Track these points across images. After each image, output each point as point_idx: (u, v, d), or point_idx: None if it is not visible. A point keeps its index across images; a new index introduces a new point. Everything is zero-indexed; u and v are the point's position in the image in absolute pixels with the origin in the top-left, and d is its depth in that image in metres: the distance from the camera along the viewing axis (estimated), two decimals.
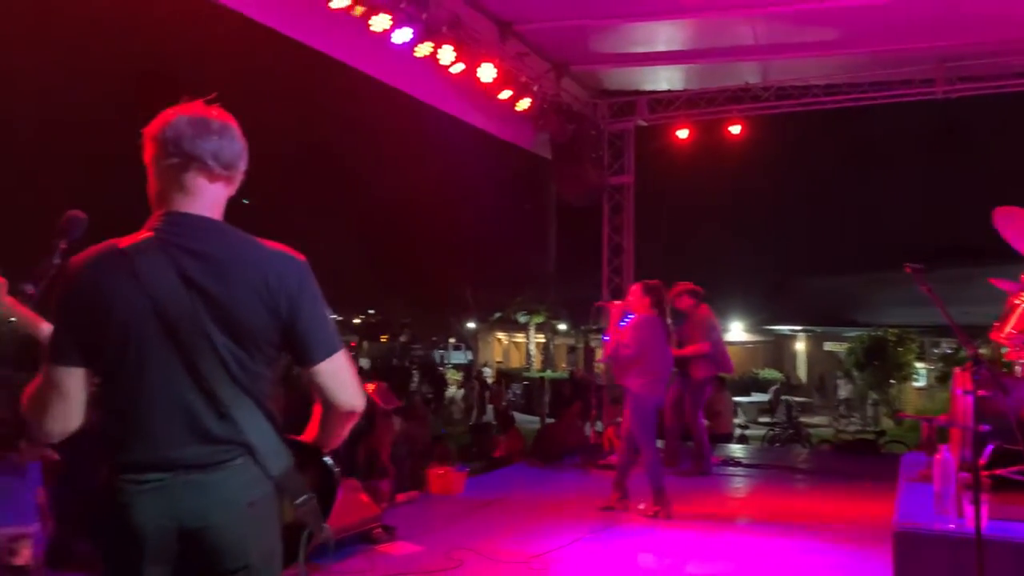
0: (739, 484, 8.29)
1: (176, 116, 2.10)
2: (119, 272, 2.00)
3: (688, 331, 8.31)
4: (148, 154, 2.13)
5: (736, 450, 10.78)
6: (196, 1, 6.28)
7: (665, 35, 9.09)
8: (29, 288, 2.52)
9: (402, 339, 41.02)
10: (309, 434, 2.28)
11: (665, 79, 10.50)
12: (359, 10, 6.52)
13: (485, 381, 25.05)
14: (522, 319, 31.98)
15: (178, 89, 2.23)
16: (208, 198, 2.12)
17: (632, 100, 10.82)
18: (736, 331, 29.49)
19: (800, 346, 30.91)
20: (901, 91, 9.66)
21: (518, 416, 19.13)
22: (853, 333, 25.66)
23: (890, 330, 23.68)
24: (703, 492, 7.75)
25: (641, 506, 6.65)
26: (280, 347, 2.11)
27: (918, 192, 31.51)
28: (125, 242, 2.05)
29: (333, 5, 6.37)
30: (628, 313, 6.71)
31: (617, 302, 6.94)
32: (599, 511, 6.70)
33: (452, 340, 41.69)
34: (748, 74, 10.03)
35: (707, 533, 6.14)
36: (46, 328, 2.24)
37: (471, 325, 39.21)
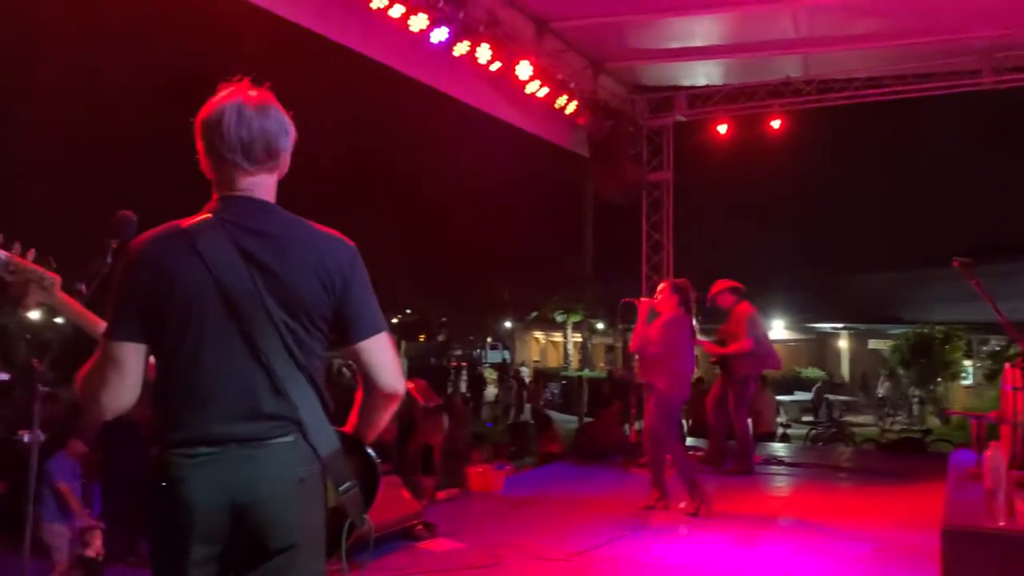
0: (782, 483, 8.19)
1: (220, 102, 2.15)
2: (181, 250, 2.05)
3: (731, 329, 8.22)
4: (198, 140, 2.18)
5: (778, 449, 10.66)
6: (236, 4, 6.34)
7: (703, 30, 9.02)
8: (81, 287, 2.57)
9: (440, 339, 41.20)
10: (351, 424, 2.31)
11: (703, 74, 10.42)
12: (398, 10, 6.55)
13: (523, 380, 25.05)
14: (559, 318, 31.90)
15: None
16: (256, 181, 2.17)
17: (670, 96, 10.75)
18: (778, 329, 29.12)
19: (843, 344, 30.47)
20: (947, 83, 9.48)
21: (556, 415, 19.11)
22: (898, 330, 25.24)
23: (936, 327, 23.24)
24: (746, 491, 7.67)
25: (682, 504, 6.61)
26: (332, 325, 2.15)
27: (964, 186, 30.90)
28: (186, 222, 2.11)
29: (373, 5, 6.41)
30: (655, 311, 6.74)
31: (645, 299, 6.92)
32: (640, 510, 6.67)
33: (489, 340, 41.78)
34: (789, 68, 9.90)
35: (750, 532, 6.07)
36: (100, 325, 2.29)
37: (508, 324, 39.24)
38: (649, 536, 5.92)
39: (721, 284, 8.37)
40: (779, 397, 18.90)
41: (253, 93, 2.17)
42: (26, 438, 2.72)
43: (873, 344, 28.91)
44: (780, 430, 17.26)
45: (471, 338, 42.27)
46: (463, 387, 26.57)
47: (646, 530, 6.07)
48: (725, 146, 10.83)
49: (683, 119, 10.87)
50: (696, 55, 9.69)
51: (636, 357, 6.93)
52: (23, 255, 2.41)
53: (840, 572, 5.19)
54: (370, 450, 2.33)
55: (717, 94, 10.50)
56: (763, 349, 8.25)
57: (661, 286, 6.84)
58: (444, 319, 40.82)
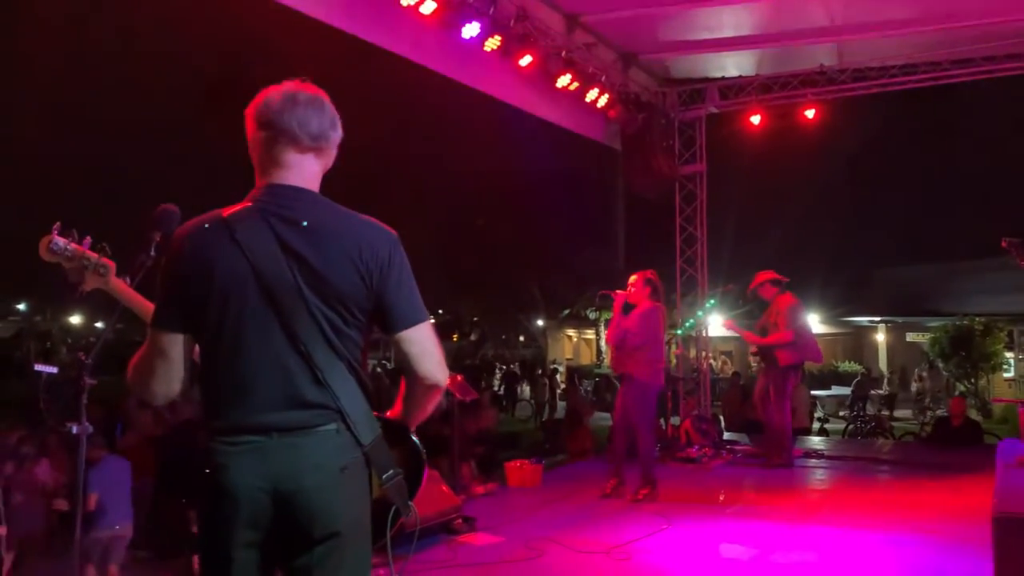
0: (821, 476, 8.10)
1: (269, 93, 2.18)
2: (221, 239, 2.08)
3: (771, 319, 8.17)
4: (248, 130, 2.21)
5: (817, 442, 10.54)
6: (268, 7, 6.39)
7: (734, 20, 8.93)
8: (126, 279, 2.61)
9: (472, 338, 41.30)
10: (395, 412, 2.31)
11: (735, 65, 10.32)
12: (428, 7, 6.56)
13: (555, 378, 25.01)
14: (591, 315, 31.81)
15: (257, 90, 2.29)
16: (302, 170, 2.18)
17: (702, 87, 10.67)
18: (814, 323, 28.61)
19: (880, 337, 30.05)
20: (985, 67, 9.29)
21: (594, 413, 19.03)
22: (937, 323, 24.82)
23: (976, 319, 22.82)
24: (785, 483, 7.60)
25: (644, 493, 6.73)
26: (371, 315, 2.15)
27: (1005, 175, 30.28)
28: (227, 211, 2.13)
29: (403, 2, 6.43)
30: (629, 303, 6.88)
31: (620, 291, 6.97)
32: (601, 499, 6.80)
33: (521, 338, 41.78)
34: (823, 56, 9.77)
35: (790, 524, 6.00)
36: (151, 309, 2.33)
37: (540, 322, 39.21)
38: (689, 528, 5.88)
39: (762, 276, 8.34)
40: (816, 392, 18.70)
41: (305, 87, 2.20)
42: (74, 430, 2.75)
43: (911, 337, 28.47)
44: (817, 425, 17.07)
45: (503, 336, 42.31)
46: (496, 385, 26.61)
47: (686, 523, 6.03)
48: (758, 137, 10.71)
49: (715, 111, 10.77)
50: (727, 46, 9.59)
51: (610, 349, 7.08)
52: (79, 242, 2.47)
53: (890, 562, 5.11)
54: (415, 438, 2.33)
55: (749, 85, 10.39)
56: (803, 341, 8.17)
57: (633, 278, 6.93)
58: (476, 318, 40.91)
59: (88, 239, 2.50)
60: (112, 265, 2.49)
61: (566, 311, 35.35)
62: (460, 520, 5.81)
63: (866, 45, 9.42)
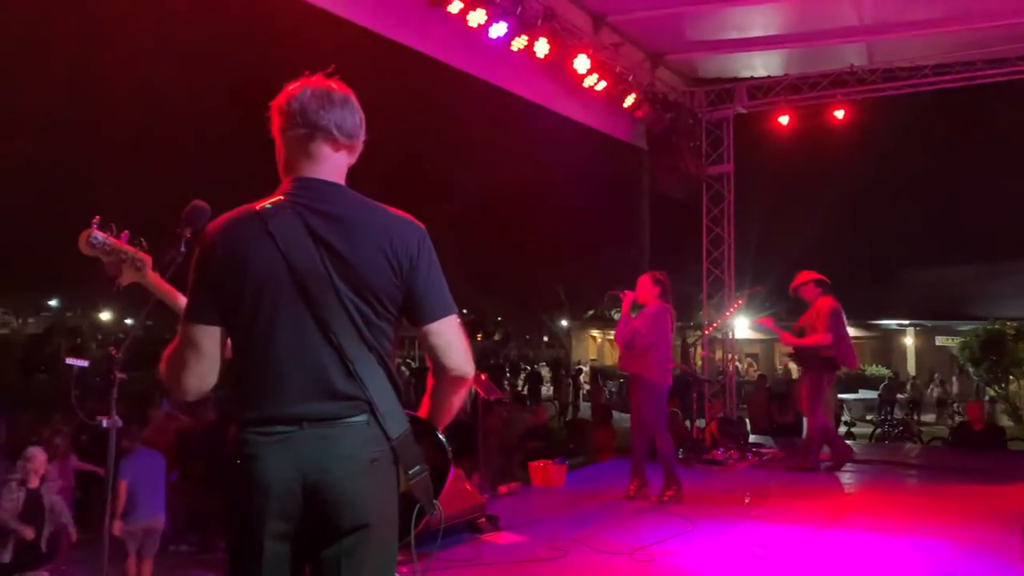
0: (848, 480, 7.99)
1: (301, 88, 2.19)
2: (254, 232, 2.10)
3: (810, 321, 8.02)
4: (275, 125, 2.23)
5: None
6: (296, 5, 6.43)
7: (762, 20, 8.87)
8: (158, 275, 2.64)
9: (496, 337, 41.33)
10: (423, 410, 2.32)
11: (763, 65, 10.25)
12: (456, 6, 6.58)
13: (578, 378, 24.96)
14: (616, 315, 31.71)
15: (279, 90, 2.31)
16: (332, 165, 2.21)
17: (730, 87, 10.61)
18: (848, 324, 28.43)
19: (909, 341, 29.66)
20: (1020, 67, 9.15)
21: (615, 414, 18.98)
22: (967, 327, 24.46)
23: (1008, 323, 22.46)
24: (812, 487, 7.53)
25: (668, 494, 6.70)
26: (401, 307, 2.16)
27: None
28: (258, 205, 2.15)
29: (431, 2, 6.45)
30: (638, 303, 6.87)
31: (629, 292, 6.94)
32: (624, 500, 6.80)
33: (545, 338, 41.73)
34: (852, 56, 9.68)
35: (817, 527, 5.95)
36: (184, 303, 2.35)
37: (564, 323, 39.13)
38: (714, 530, 5.85)
39: (805, 275, 8.19)
40: (843, 395, 18.51)
41: (336, 84, 2.22)
42: (104, 423, 2.79)
43: (940, 341, 28.06)
44: (844, 428, 16.91)
45: (527, 337, 42.29)
46: (519, 385, 26.62)
47: (710, 525, 5.99)
48: (787, 138, 10.62)
49: (743, 111, 10.71)
50: (755, 46, 9.53)
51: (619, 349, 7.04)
52: (117, 236, 2.50)
53: (918, 567, 5.04)
54: (441, 435, 2.33)
55: (778, 85, 10.32)
56: (841, 346, 7.98)
57: (642, 278, 6.91)
58: (500, 318, 40.92)
59: (126, 233, 2.54)
60: (148, 259, 2.53)
61: (591, 312, 35.23)
62: (484, 519, 5.82)
63: (897, 45, 9.32)
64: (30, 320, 41.39)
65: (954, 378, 24.04)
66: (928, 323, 28.22)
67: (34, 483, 5.94)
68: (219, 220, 2.17)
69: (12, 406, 8.64)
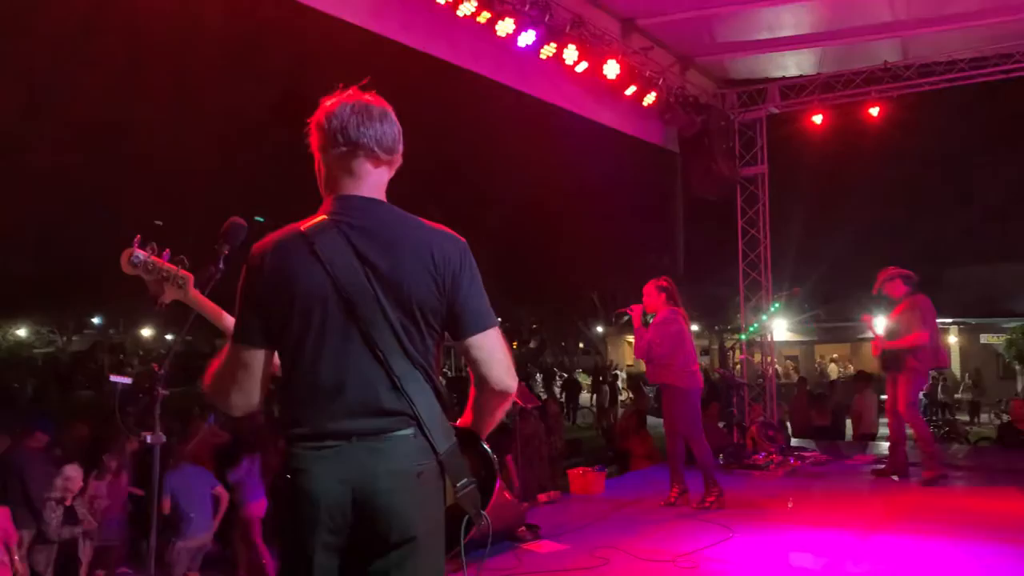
0: (887, 483, 7.81)
1: (339, 105, 2.21)
2: (300, 252, 2.13)
3: (903, 320, 7.52)
4: (315, 142, 2.26)
5: (886, 448, 10.24)
6: (327, 21, 6.50)
7: (793, 19, 8.78)
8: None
9: (532, 345, 41.28)
10: (464, 419, 2.33)
11: (795, 64, 10.14)
12: (484, 16, 6.60)
13: (617, 385, 24.83)
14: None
15: (312, 105, 2.33)
16: (373, 181, 2.23)
17: (762, 88, 10.51)
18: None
19: (953, 339, 29.11)
20: None
21: (652, 420, 18.84)
22: (1013, 324, 23.93)
23: None
24: (855, 490, 7.41)
25: (710, 500, 6.63)
26: (444, 321, 2.18)
27: None
28: (304, 224, 2.18)
29: (460, 12, 6.48)
30: (648, 314, 6.82)
31: (636, 305, 6.89)
32: (665, 506, 6.75)
33: (581, 345, 41.58)
34: (886, 53, 9.55)
35: (862, 532, 5.84)
36: (228, 320, 2.40)
37: (599, 329, 38.98)
38: (757, 537, 5.77)
39: (892, 271, 7.75)
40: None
41: (373, 99, 2.24)
42: (148, 439, 2.83)
43: (985, 339, 27.51)
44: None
45: (563, 344, 42.17)
46: (556, 392, 26.56)
47: (753, 531, 5.92)
48: (822, 136, 10.50)
49: (776, 111, 10.61)
50: (787, 45, 9.44)
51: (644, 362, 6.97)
52: (159, 255, 2.54)
53: (967, 573, 4.93)
54: (486, 446, 2.34)
55: (811, 84, 10.21)
56: (934, 343, 7.54)
57: (645, 288, 6.83)
58: (535, 325, 40.86)
59: (167, 251, 2.56)
60: (191, 277, 2.56)
61: (626, 317, 35.04)
62: (524, 527, 5.81)
63: (931, 39, 9.18)
64: (74, 338, 42.19)
65: (971, 380, 23.36)
66: (972, 321, 27.68)
67: (68, 501, 6.03)
68: (265, 240, 2.20)
69: (58, 422, 8.78)
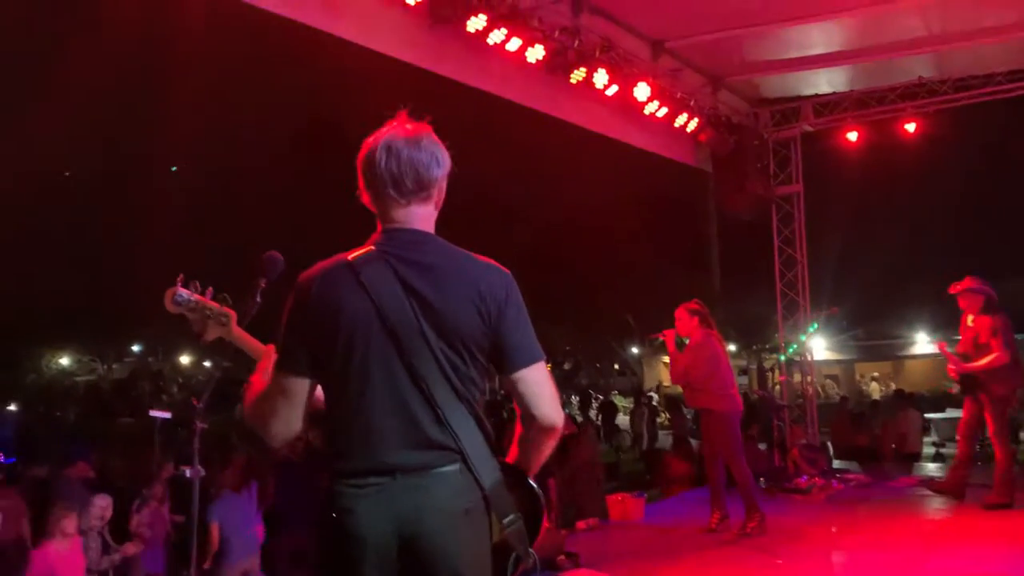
0: (938, 504, 7.63)
1: (382, 141, 2.22)
2: (346, 281, 2.12)
3: (980, 340, 7.15)
4: (360, 179, 2.26)
5: (932, 469, 10.03)
6: (361, 53, 6.57)
7: (823, 36, 8.71)
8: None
9: (566, 367, 41.07)
10: (512, 455, 2.29)
11: (827, 81, 10.05)
12: (515, 43, 6.64)
13: (655, 407, 24.60)
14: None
15: (352, 133, 2.34)
16: (420, 214, 2.23)
17: (795, 106, 10.43)
18: (923, 343, 27.56)
19: None
20: None
21: (693, 442, 18.61)
22: None
23: None
24: (900, 513, 7.23)
25: (751, 526, 6.49)
26: (489, 354, 2.16)
27: None
28: (351, 255, 2.18)
29: (490, 41, 6.51)
30: (681, 338, 6.76)
31: (668, 330, 6.83)
32: (706, 533, 6.65)
33: (616, 366, 41.30)
34: (921, 68, 9.42)
35: (909, 557, 5.70)
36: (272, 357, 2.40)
37: (635, 350, 38.71)
38: (799, 562, 5.65)
39: (972, 282, 7.33)
40: (929, 415, 17.80)
41: (408, 126, 2.23)
42: (187, 473, 2.84)
43: None
44: (931, 450, 16.26)
45: (597, 365, 41.91)
46: (592, 415, 26.36)
47: (797, 557, 5.80)
48: (857, 154, 10.39)
49: (810, 129, 10.51)
50: (819, 63, 9.36)
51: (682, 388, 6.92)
52: (202, 293, 2.55)
53: None
54: (533, 482, 2.29)
55: (845, 101, 10.11)
56: (1015, 361, 7.07)
57: (677, 312, 6.77)
58: (569, 347, 40.68)
59: (210, 289, 2.57)
60: (233, 314, 2.56)
61: (659, 340, 34.75)
62: (563, 556, 5.74)
63: (967, 53, 9.04)
64: (115, 366, 42.84)
65: None
66: (1019, 336, 27.04)
67: (102, 529, 6.08)
68: (313, 270, 2.20)
69: (99, 451, 8.89)
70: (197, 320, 2.54)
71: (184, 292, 2.52)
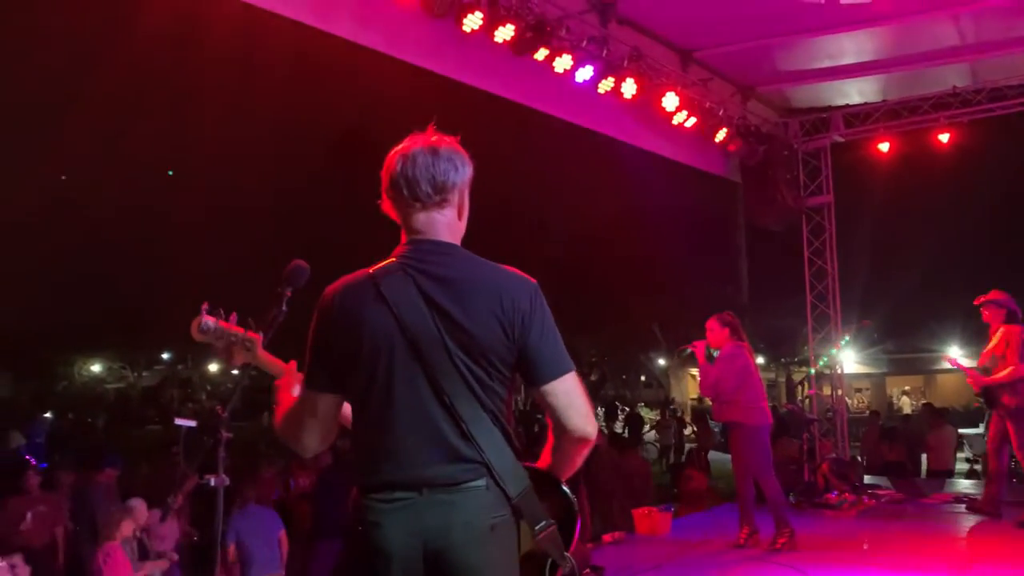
0: (972, 522, 7.44)
1: (406, 152, 2.22)
2: (368, 295, 2.12)
3: (997, 352, 7.06)
4: (384, 190, 2.27)
5: (966, 486, 9.82)
6: (387, 63, 6.60)
7: (855, 46, 8.62)
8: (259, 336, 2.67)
9: (592, 378, 40.92)
10: (543, 461, 2.27)
11: (858, 91, 9.94)
12: (542, 53, 6.63)
13: (682, 419, 24.42)
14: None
15: (380, 144, 2.34)
16: (436, 223, 2.21)
17: (826, 116, 10.32)
18: (959, 358, 26.99)
19: None
20: None
21: (719, 455, 18.45)
22: None
23: None
24: (933, 531, 7.09)
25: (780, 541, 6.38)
26: (515, 367, 2.13)
27: None
28: (373, 268, 2.18)
29: (518, 52, 6.49)
30: (712, 349, 6.67)
31: (698, 341, 6.73)
32: (734, 548, 6.54)
33: (643, 378, 41.09)
34: (955, 77, 9.29)
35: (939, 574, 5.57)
36: (299, 378, 2.42)
37: (662, 361, 38.48)
38: None
39: (997, 295, 7.23)
40: (963, 430, 17.49)
41: (433, 138, 2.23)
42: (212, 482, 2.83)
43: None
44: (965, 466, 15.96)
45: (624, 377, 41.72)
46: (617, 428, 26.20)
47: (827, 574, 5.69)
48: (889, 165, 10.24)
49: (840, 139, 10.39)
50: (850, 73, 9.26)
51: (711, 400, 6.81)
52: (227, 319, 2.56)
53: None
54: (565, 488, 2.28)
55: (876, 111, 9.99)
56: None
57: (709, 323, 6.68)
58: (595, 358, 40.53)
59: (234, 315, 2.57)
60: (259, 339, 2.56)
61: (688, 350, 34.53)
62: (589, 570, 5.68)
63: (1003, 62, 8.89)
64: (144, 373, 43.32)
65: None
66: None
67: (136, 534, 6.08)
68: (336, 284, 2.20)
69: (127, 457, 8.98)
70: (223, 347, 2.55)
71: (210, 320, 2.52)
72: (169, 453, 9.53)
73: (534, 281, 2.19)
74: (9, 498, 6.71)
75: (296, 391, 2.37)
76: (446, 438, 2.05)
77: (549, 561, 2.16)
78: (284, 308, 2.62)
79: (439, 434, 2.05)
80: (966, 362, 7.59)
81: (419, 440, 2.05)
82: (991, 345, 7.20)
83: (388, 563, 2.01)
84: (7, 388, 31.47)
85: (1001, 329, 7.10)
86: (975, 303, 7.39)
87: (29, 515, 6.46)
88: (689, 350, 6.86)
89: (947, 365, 7.59)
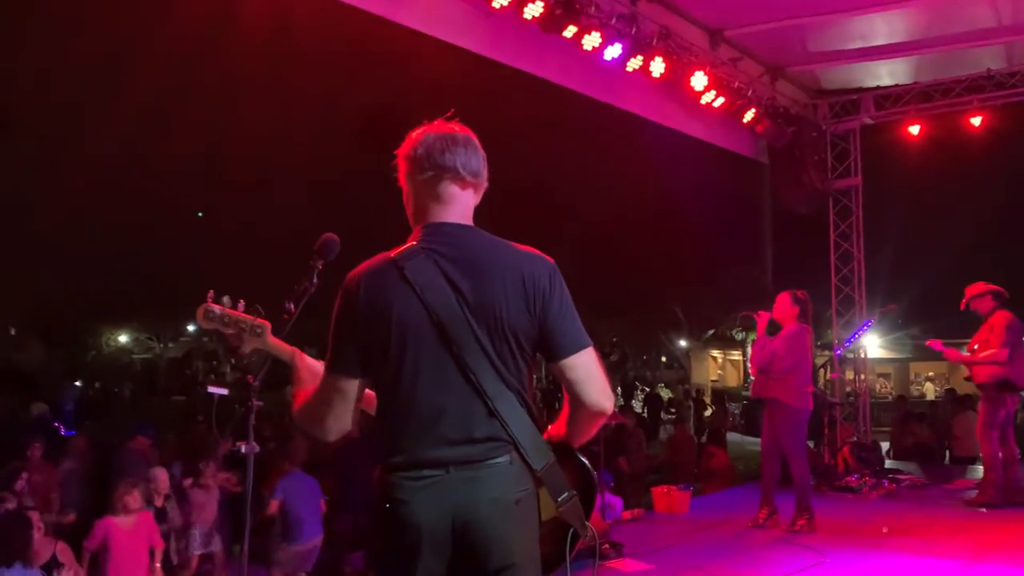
0: (990, 509, 7.39)
1: (424, 134, 2.27)
2: (392, 279, 2.16)
3: (983, 335, 7.29)
4: (402, 172, 2.31)
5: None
6: (416, 38, 6.62)
7: (887, 27, 8.51)
8: (290, 306, 2.72)
9: (613, 359, 40.91)
10: (556, 430, 2.32)
11: (889, 73, 9.82)
12: (571, 31, 6.61)
13: (703, 401, 24.39)
14: (738, 336, 30.87)
15: (411, 122, 2.38)
16: (460, 206, 2.26)
17: (856, 98, 10.20)
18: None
19: None
20: None
21: (739, 437, 18.44)
22: None
23: None
24: (956, 517, 7.07)
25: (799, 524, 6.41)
26: (536, 343, 2.18)
27: None
28: (394, 252, 2.21)
29: (547, 29, 6.48)
30: (775, 323, 6.60)
31: (764, 312, 6.68)
32: (752, 528, 6.58)
33: (663, 359, 40.98)
34: (989, 60, 9.16)
35: (963, 562, 5.56)
36: (309, 362, 2.47)
37: (683, 343, 38.38)
38: (847, 562, 5.57)
39: (981, 287, 7.48)
40: None
41: (457, 127, 2.28)
42: (243, 449, 2.90)
43: None
44: None
45: (645, 357, 41.66)
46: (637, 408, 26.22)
47: (845, 556, 5.71)
48: (919, 148, 10.13)
49: (870, 122, 10.28)
50: (881, 54, 9.14)
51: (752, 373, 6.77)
52: (234, 306, 2.57)
53: None
54: (583, 458, 2.34)
55: (907, 93, 9.85)
56: (1018, 364, 7.14)
57: (780, 297, 6.60)
58: (616, 339, 40.49)
59: (242, 302, 2.58)
60: (268, 325, 2.56)
61: (710, 332, 34.43)
62: (607, 545, 5.74)
63: None
64: (170, 344, 43.83)
65: None
66: None
67: (159, 502, 6.18)
68: (359, 270, 2.23)
69: (157, 426, 9.13)
70: (232, 334, 2.56)
71: (215, 308, 2.53)
72: (195, 422, 9.69)
73: (552, 260, 2.23)
74: (9, 462, 6.73)
75: (302, 376, 2.42)
76: (473, 417, 2.10)
77: (571, 531, 2.22)
78: (315, 280, 2.67)
79: (466, 413, 2.10)
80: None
81: (446, 420, 2.10)
82: (981, 331, 7.34)
83: (419, 538, 2.07)
84: (39, 358, 32.03)
85: (992, 315, 7.29)
86: (961, 306, 7.58)
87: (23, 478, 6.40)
88: (754, 319, 6.80)
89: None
